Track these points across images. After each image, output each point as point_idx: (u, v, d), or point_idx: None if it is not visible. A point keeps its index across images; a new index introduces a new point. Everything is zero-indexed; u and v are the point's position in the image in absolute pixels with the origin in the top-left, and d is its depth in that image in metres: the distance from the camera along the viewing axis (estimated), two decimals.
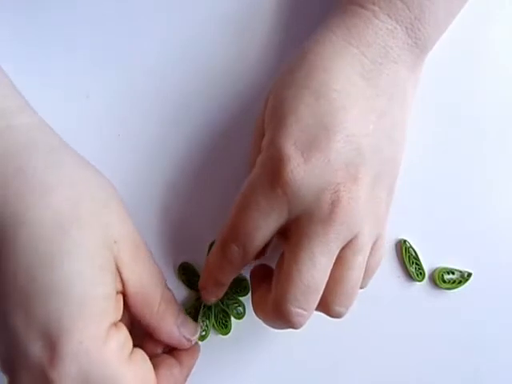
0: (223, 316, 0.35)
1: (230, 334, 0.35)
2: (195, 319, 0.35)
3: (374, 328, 0.36)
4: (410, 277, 0.37)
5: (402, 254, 0.37)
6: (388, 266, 0.37)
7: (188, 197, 0.36)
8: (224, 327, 0.35)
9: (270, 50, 0.36)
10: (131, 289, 0.30)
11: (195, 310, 0.35)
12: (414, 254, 0.37)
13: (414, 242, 0.37)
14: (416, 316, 0.37)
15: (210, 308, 0.35)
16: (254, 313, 0.32)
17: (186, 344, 0.32)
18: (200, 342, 0.35)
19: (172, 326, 0.31)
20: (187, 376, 0.33)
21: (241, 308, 0.36)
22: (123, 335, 0.29)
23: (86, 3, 0.36)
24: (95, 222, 0.29)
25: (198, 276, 0.35)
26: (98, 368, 0.27)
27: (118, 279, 0.29)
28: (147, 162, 0.36)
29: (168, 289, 0.32)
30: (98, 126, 0.36)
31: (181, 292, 0.36)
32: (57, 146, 0.31)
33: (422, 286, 0.37)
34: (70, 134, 0.35)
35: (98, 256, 0.28)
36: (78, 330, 0.27)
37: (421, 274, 0.37)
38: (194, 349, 0.33)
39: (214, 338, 0.36)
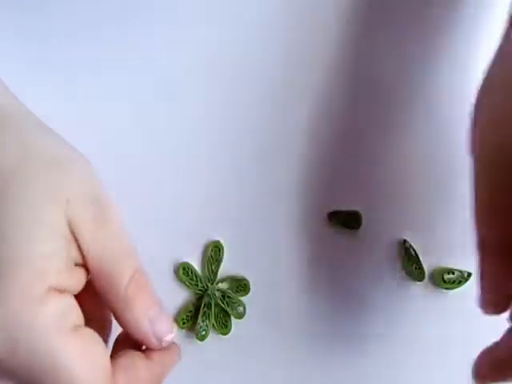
0: (223, 316, 0.35)
1: (229, 334, 0.36)
2: (195, 319, 0.35)
3: (373, 328, 0.36)
4: (410, 277, 0.37)
5: (402, 253, 0.37)
6: (388, 266, 0.37)
7: (188, 196, 0.36)
8: (224, 327, 0.35)
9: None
10: (92, 261, 0.26)
11: (195, 309, 0.35)
12: (414, 253, 0.37)
13: (413, 242, 0.37)
14: (416, 316, 0.37)
15: (210, 308, 0.35)
16: None
17: (155, 343, 0.27)
18: (200, 342, 0.35)
19: (141, 317, 0.27)
20: (160, 374, 0.28)
21: (241, 308, 0.36)
22: (68, 304, 0.25)
23: (87, 3, 0.36)
24: (42, 179, 0.25)
25: (198, 276, 0.35)
26: (27, 333, 0.24)
27: (76, 247, 0.26)
28: (147, 161, 0.36)
29: (143, 273, 0.28)
30: (97, 125, 0.36)
31: (181, 292, 0.36)
32: (16, 111, 0.28)
33: (422, 286, 0.37)
34: (70, 134, 0.35)
35: (39, 212, 0.25)
36: (4, 287, 0.24)
37: (421, 273, 0.37)
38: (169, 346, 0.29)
39: (214, 337, 0.36)
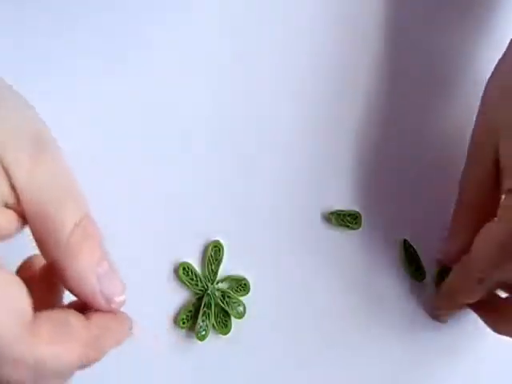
0: (223, 316, 0.35)
1: (229, 334, 0.35)
2: (195, 319, 0.35)
3: (373, 328, 0.36)
4: (410, 277, 0.37)
5: (402, 253, 0.37)
6: (388, 266, 0.37)
7: (188, 196, 0.36)
8: (224, 327, 0.35)
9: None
10: (28, 204, 0.22)
11: (195, 309, 0.35)
12: (413, 253, 0.37)
13: (413, 242, 0.37)
14: (416, 316, 0.37)
15: (210, 308, 0.35)
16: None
17: (103, 304, 0.24)
18: (200, 342, 0.35)
19: (88, 271, 0.23)
20: (100, 339, 0.24)
21: (241, 308, 0.36)
22: None
23: (87, 3, 0.36)
24: None
25: (198, 276, 0.35)
26: None
27: (8, 186, 0.22)
28: (147, 161, 0.36)
29: (93, 224, 0.24)
30: (98, 126, 0.36)
31: (181, 292, 0.36)
32: None
33: (422, 286, 0.37)
34: (70, 134, 0.35)
35: None
36: None
37: (421, 274, 0.37)
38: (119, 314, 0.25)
39: (214, 337, 0.35)
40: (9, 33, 0.35)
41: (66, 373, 0.23)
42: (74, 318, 0.23)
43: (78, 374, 0.34)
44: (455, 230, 0.35)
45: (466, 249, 0.33)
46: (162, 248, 0.35)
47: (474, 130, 0.34)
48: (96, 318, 0.24)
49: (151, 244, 0.35)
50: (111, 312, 0.24)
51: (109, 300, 0.24)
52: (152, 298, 0.35)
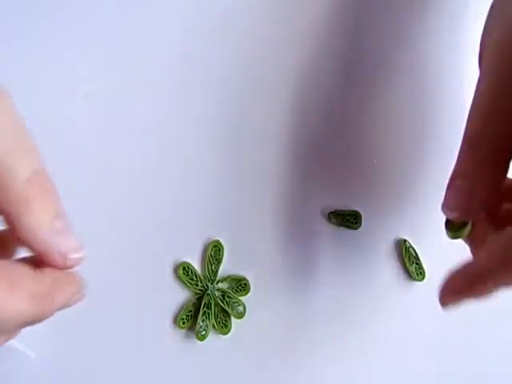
0: (223, 316, 0.35)
1: (229, 334, 0.35)
2: (195, 319, 0.35)
3: (373, 327, 0.36)
4: (410, 277, 0.37)
5: (402, 253, 0.37)
6: (388, 266, 0.37)
7: (188, 196, 0.36)
8: (224, 327, 0.35)
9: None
10: None
11: (195, 309, 0.35)
12: (413, 253, 0.37)
13: (413, 242, 0.37)
14: (416, 316, 0.37)
15: (210, 308, 0.35)
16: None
17: (58, 259, 0.23)
18: (200, 342, 0.35)
19: (43, 225, 0.22)
20: (51, 291, 0.23)
21: (241, 308, 0.36)
22: None
23: (86, 3, 0.36)
24: None
25: (198, 276, 0.35)
26: None
27: None
28: (147, 160, 0.36)
29: (50, 180, 0.23)
30: (98, 126, 0.36)
31: (181, 292, 0.36)
32: None
33: (422, 286, 0.37)
34: (69, 134, 0.35)
35: None
36: None
37: (421, 273, 0.37)
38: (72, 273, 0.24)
39: (214, 337, 0.36)
40: (5, 25, 0.35)
41: (10, 327, 0.22)
42: (22, 268, 0.22)
43: (76, 372, 0.34)
44: (461, 173, 0.28)
45: (479, 199, 0.27)
46: (162, 248, 0.35)
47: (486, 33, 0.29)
48: (49, 272, 0.23)
49: (151, 244, 0.35)
50: (64, 270, 0.23)
51: (64, 255, 0.23)
52: (152, 298, 0.35)
